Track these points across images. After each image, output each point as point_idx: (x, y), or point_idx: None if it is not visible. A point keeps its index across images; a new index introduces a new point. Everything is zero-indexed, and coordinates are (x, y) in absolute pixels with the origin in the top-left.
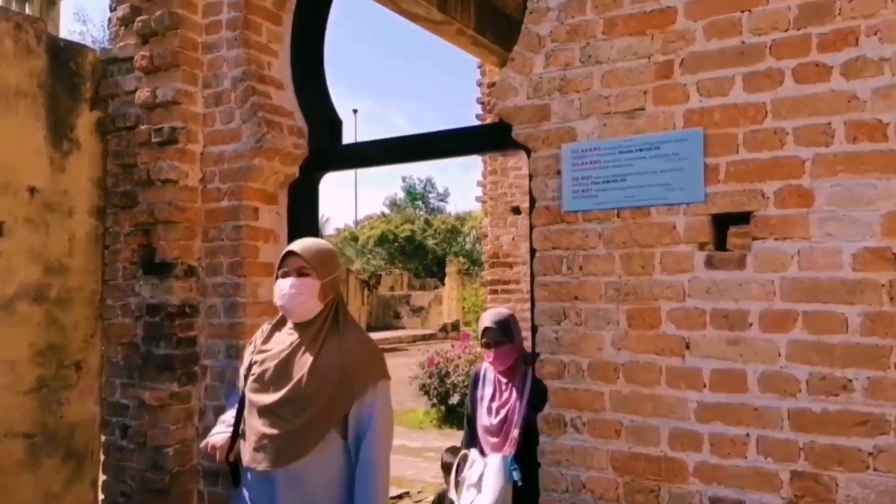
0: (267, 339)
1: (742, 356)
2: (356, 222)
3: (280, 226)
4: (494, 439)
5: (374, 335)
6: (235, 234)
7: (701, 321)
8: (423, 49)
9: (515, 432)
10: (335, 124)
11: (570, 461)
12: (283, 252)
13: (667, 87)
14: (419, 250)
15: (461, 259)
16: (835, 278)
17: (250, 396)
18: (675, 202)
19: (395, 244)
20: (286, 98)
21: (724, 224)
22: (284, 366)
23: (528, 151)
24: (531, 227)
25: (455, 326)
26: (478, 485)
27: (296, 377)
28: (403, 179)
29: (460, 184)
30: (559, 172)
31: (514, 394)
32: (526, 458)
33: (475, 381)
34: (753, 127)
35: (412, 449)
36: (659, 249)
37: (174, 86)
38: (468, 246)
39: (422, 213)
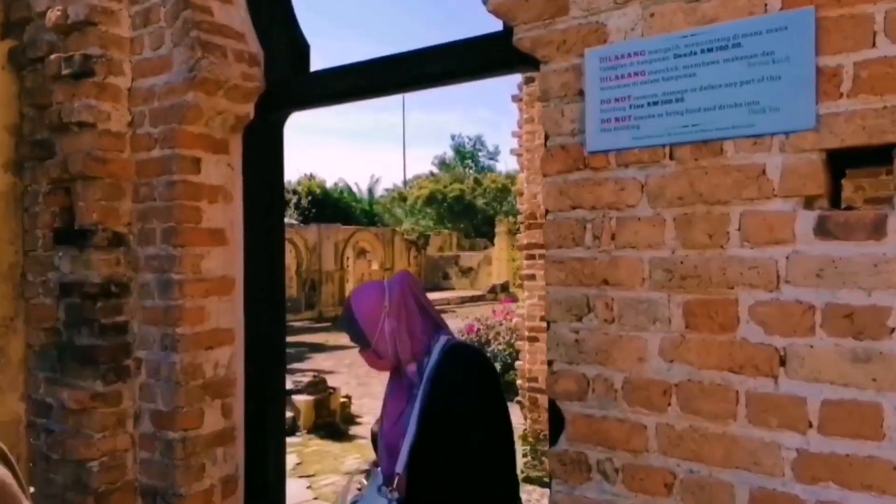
0: None
1: (875, 381)
2: (405, 182)
3: (233, 181)
4: (386, 456)
5: None
6: (169, 191)
7: (807, 323)
8: None
9: (403, 456)
10: (302, 51)
11: None
12: None
13: None
14: (468, 210)
15: (511, 219)
16: None
17: None
18: (765, 132)
19: (444, 204)
20: (234, 15)
21: (846, 165)
22: None
23: (538, 65)
24: (544, 178)
25: (504, 288)
26: None
27: None
28: (452, 138)
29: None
30: (581, 93)
31: (404, 399)
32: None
33: None
34: None
35: None
36: (738, 208)
37: (88, 1)
38: (518, 206)
39: (471, 171)
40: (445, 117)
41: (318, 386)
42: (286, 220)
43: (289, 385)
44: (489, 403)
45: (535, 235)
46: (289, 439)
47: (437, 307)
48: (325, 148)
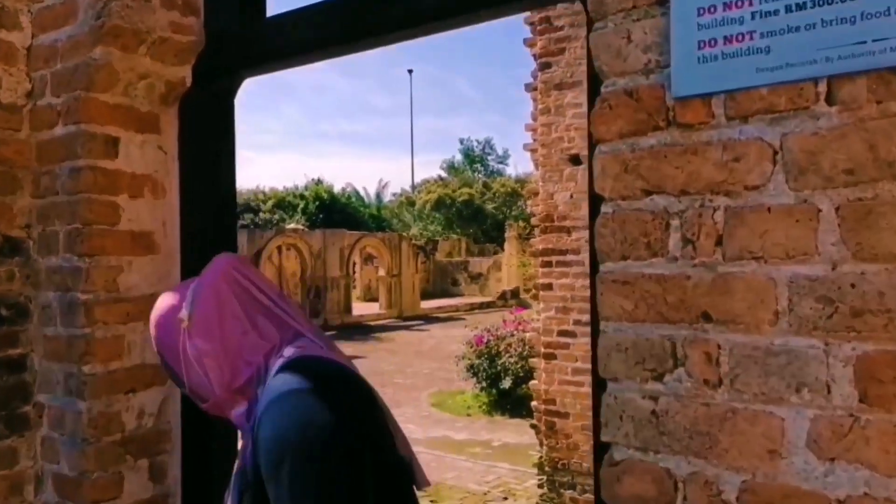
0: None
1: None
2: (413, 187)
3: (166, 170)
4: None
5: (430, 303)
6: (73, 182)
7: None
8: None
9: None
10: None
11: None
12: None
13: None
14: (478, 215)
15: (521, 223)
16: None
17: None
18: None
19: (453, 209)
20: None
21: None
22: None
23: None
24: (590, 145)
25: (515, 294)
26: None
27: None
28: (461, 142)
29: (521, 145)
30: (661, 2)
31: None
32: None
33: None
34: None
35: (455, 443)
36: None
37: None
38: (529, 210)
39: (480, 176)
40: (454, 122)
41: None
42: (292, 224)
43: None
44: (323, 476)
45: (552, 240)
46: None
47: (445, 314)
48: (332, 154)
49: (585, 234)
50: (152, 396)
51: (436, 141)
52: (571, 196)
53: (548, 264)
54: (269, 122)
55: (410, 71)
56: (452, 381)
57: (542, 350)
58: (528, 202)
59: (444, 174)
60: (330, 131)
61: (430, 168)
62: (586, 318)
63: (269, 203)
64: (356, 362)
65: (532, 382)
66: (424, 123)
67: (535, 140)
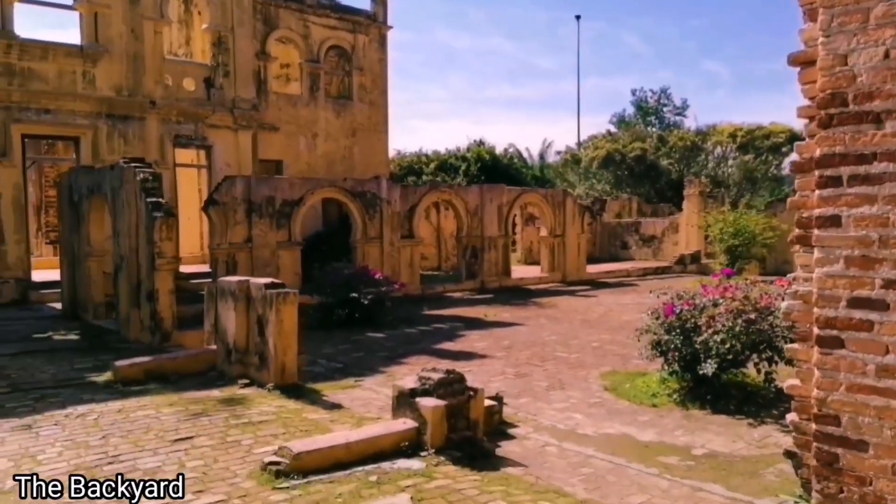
0: None
1: None
2: (578, 144)
3: None
4: None
5: (597, 267)
6: None
7: None
8: None
9: None
10: None
11: None
12: None
13: None
14: (651, 171)
15: (704, 179)
16: None
17: None
18: None
19: (623, 165)
20: None
21: None
22: None
23: None
24: None
25: (695, 258)
26: None
27: None
28: (633, 93)
29: (702, 93)
30: None
31: None
32: None
33: None
34: None
35: (640, 445)
36: None
37: None
38: (711, 165)
39: (655, 129)
40: (622, 81)
41: (453, 385)
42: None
43: (412, 383)
44: None
45: (842, 139)
46: (407, 464)
47: (614, 279)
48: (496, 119)
49: None
50: None
51: (603, 101)
52: (888, 54)
53: (833, 182)
54: (436, 91)
55: (578, 17)
56: (629, 359)
57: (817, 331)
58: (723, 162)
59: (613, 129)
60: (495, 97)
61: (596, 130)
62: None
63: (432, 165)
64: (513, 330)
65: (789, 383)
66: (591, 84)
67: None
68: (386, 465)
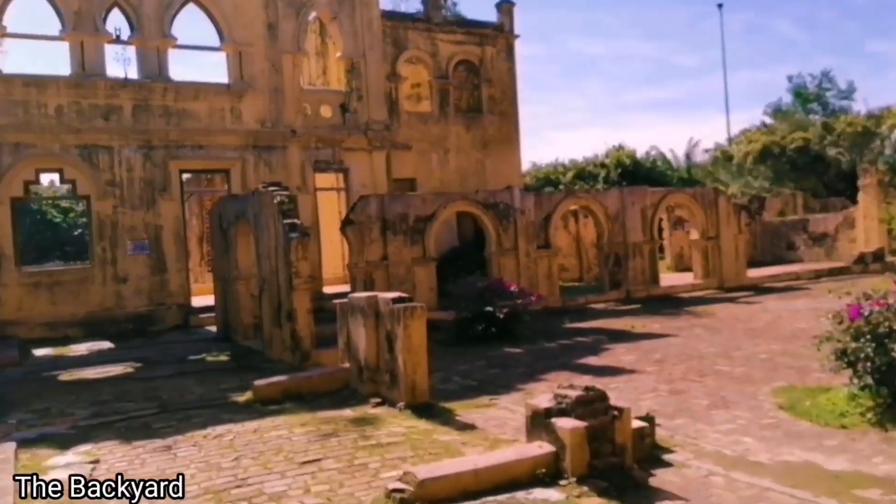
0: None
1: None
2: (729, 139)
3: None
4: None
5: (759, 271)
6: None
7: None
8: None
9: None
10: None
11: None
12: None
13: None
14: (816, 163)
15: (880, 167)
16: None
17: None
18: None
19: (783, 158)
20: None
21: None
22: None
23: None
24: None
25: (878, 256)
26: None
27: None
28: (789, 80)
29: (869, 77)
30: None
31: None
32: None
33: None
34: None
35: (829, 476)
36: None
37: None
38: (888, 151)
39: (817, 117)
40: (775, 71)
41: (594, 404)
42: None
43: (546, 402)
44: None
45: None
46: (544, 494)
47: (781, 283)
48: (636, 123)
49: None
50: None
51: (754, 95)
52: None
53: None
54: (573, 100)
55: (720, 5)
56: (807, 372)
57: None
58: None
59: (768, 119)
60: (635, 101)
61: (748, 124)
62: None
63: (569, 175)
64: (664, 341)
65: None
66: (739, 78)
67: None
68: (520, 494)
